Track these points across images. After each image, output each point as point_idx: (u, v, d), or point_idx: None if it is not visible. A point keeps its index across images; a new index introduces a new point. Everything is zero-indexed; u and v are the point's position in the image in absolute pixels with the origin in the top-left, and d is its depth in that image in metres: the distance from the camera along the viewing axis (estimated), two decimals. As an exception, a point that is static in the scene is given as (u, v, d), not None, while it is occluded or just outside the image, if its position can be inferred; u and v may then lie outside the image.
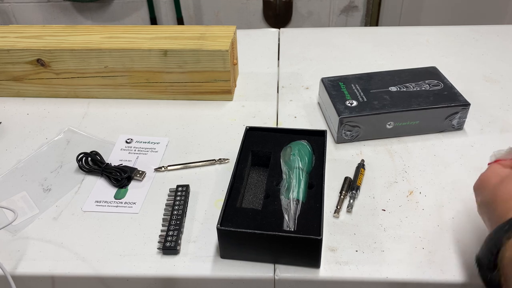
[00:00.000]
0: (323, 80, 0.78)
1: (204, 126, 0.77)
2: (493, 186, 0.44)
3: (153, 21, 2.15)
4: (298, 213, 0.54)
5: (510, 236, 0.36)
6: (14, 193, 0.65)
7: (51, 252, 0.57)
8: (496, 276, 0.36)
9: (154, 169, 0.68)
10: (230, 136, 0.74)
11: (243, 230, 0.52)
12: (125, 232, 0.59)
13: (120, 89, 0.83)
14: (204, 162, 0.69)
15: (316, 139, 0.65)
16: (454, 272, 0.53)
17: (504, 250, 0.36)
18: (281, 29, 1.06)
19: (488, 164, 0.50)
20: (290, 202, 0.55)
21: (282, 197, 0.56)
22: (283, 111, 0.80)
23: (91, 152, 0.69)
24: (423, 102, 0.71)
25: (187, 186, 0.64)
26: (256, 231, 0.51)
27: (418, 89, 0.74)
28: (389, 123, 0.71)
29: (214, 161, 0.69)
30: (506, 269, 0.35)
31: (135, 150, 0.72)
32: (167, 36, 0.81)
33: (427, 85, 0.75)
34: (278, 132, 0.67)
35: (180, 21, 2.13)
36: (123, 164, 0.68)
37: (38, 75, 0.82)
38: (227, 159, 0.69)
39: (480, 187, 0.46)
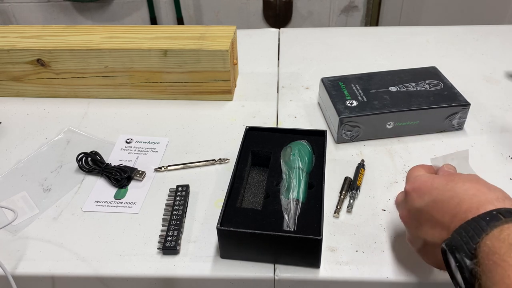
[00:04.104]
0: (323, 80, 0.78)
1: (204, 126, 0.77)
2: (438, 187, 0.44)
3: (153, 21, 2.15)
4: (298, 213, 0.54)
5: (493, 226, 0.37)
6: (14, 193, 0.65)
7: (51, 252, 0.57)
8: (474, 264, 0.37)
9: (154, 169, 0.68)
10: (230, 136, 0.74)
11: (243, 230, 0.52)
12: (125, 232, 0.59)
13: (120, 89, 0.83)
14: (204, 162, 0.69)
15: (316, 139, 0.65)
16: (454, 272, 0.53)
17: (485, 239, 0.36)
18: (281, 29, 1.06)
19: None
20: (290, 202, 0.55)
21: (282, 197, 0.56)
22: (283, 111, 0.80)
23: (91, 152, 0.69)
24: (423, 102, 0.71)
25: (187, 186, 0.64)
26: (256, 231, 0.51)
27: (418, 89, 0.74)
28: (389, 123, 0.71)
29: (214, 161, 0.69)
30: (485, 257, 0.36)
31: (135, 150, 0.72)
32: (167, 36, 0.81)
33: (427, 85, 0.75)
34: (278, 132, 0.67)
35: (180, 21, 2.13)
36: (123, 164, 0.68)
37: (38, 75, 0.82)
38: (227, 159, 0.69)
39: (422, 191, 0.45)
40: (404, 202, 0.48)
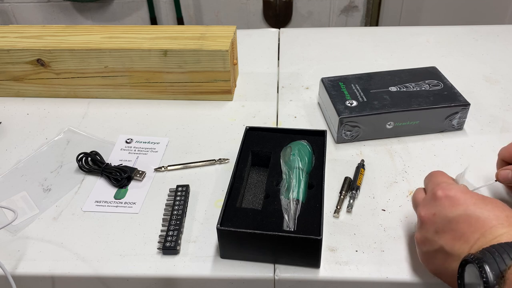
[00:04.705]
0: (323, 80, 0.78)
1: (204, 126, 0.77)
2: (476, 204, 0.45)
3: (153, 21, 2.15)
4: (298, 213, 0.54)
5: None
6: (14, 193, 0.65)
7: (51, 252, 0.57)
8: (498, 284, 0.38)
9: (154, 169, 0.68)
10: (230, 136, 0.74)
11: (243, 230, 0.52)
12: (125, 232, 0.59)
13: (120, 89, 0.83)
14: (204, 162, 0.69)
15: (316, 139, 0.65)
16: (454, 272, 0.53)
17: None
18: (281, 29, 1.06)
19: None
20: (290, 202, 0.55)
21: (282, 197, 0.56)
22: (283, 111, 0.80)
23: (91, 152, 0.69)
24: (423, 102, 0.71)
25: (187, 186, 0.64)
26: (256, 231, 0.51)
27: (418, 89, 0.74)
28: (389, 123, 0.71)
29: (214, 161, 0.69)
30: None
31: (135, 150, 0.72)
32: (167, 36, 0.81)
33: (427, 85, 0.75)
34: (278, 132, 0.67)
35: (180, 21, 2.13)
36: (123, 164, 0.68)
37: (38, 75, 0.82)
38: (227, 159, 0.69)
39: (456, 201, 0.46)
40: (431, 204, 0.48)
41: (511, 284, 0.37)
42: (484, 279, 0.38)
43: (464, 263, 0.42)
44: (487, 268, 0.38)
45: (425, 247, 0.48)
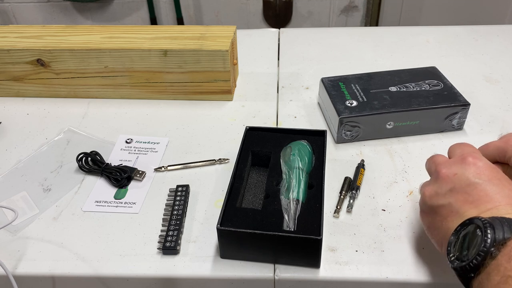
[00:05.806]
0: (323, 80, 0.78)
1: (204, 126, 0.77)
2: (500, 179, 0.46)
3: (153, 21, 2.15)
4: (298, 213, 0.54)
5: None
6: (14, 193, 0.65)
7: (51, 252, 0.57)
8: (497, 250, 0.39)
9: (154, 169, 0.68)
10: (230, 136, 0.74)
11: (243, 230, 0.52)
12: (125, 232, 0.59)
13: (120, 89, 0.83)
14: (204, 162, 0.69)
15: (316, 139, 0.65)
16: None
17: None
18: (281, 29, 1.06)
19: None
20: (290, 202, 0.55)
21: (282, 197, 0.56)
22: (283, 111, 0.80)
23: (91, 152, 0.69)
24: (423, 102, 0.71)
25: (187, 186, 0.64)
26: (256, 231, 0.51)
27: (418, 89, 0.74)
28: (389, 123, 0.71)
29: (214, 161, 0.69)
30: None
31: (135, 150, 0.72)
32: (167, 36, 0.81)
33: (427, 85, 0.75)
34: (278, 132, 0.67)
35: (180, 21, 2.13)
36: (123, 164, 0.68)
37: (38, 75, 0.82)
38: (227, 159, 0.69)
39: (481, 171, 0.47)
40: (456, 166, 0.48)
41: (511, 251, 0.38)
42: (485, 238, 0.39)
43: (468, 222, 0.42)
44: (492, 231, 0.39)
45: (431, 201, 0.48)
